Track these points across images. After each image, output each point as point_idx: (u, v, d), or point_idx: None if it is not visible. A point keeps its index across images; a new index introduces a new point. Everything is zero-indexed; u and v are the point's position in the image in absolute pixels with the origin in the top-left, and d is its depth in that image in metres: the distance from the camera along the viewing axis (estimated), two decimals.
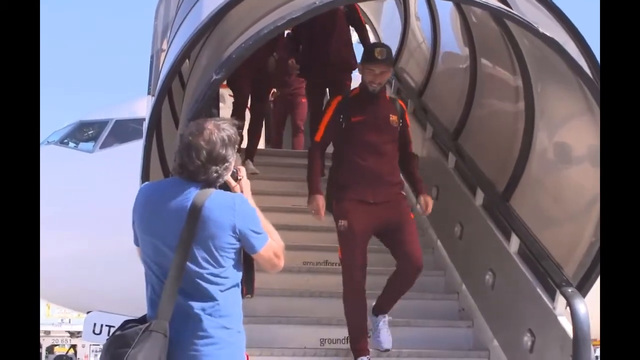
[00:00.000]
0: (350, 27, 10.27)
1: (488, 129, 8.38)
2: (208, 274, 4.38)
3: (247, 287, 4.57)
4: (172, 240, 4.35)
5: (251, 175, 6.76)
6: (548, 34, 5.95)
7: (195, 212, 4.33)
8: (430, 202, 7.31)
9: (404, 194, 7.32)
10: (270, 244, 4.52)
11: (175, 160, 4.49)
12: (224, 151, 4.44)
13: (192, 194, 4.39)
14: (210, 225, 4.35)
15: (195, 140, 4.42)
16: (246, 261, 4.54)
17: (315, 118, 8.88)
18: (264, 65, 9.91)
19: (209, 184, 4.45)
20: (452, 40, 9.37)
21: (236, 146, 4.54)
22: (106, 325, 12.17)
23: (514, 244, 7.23)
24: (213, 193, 4.41)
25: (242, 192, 4.59)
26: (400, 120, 7.27)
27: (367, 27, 12.39)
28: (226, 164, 4.48)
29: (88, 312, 13.35)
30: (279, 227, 4.70)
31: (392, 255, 7.09)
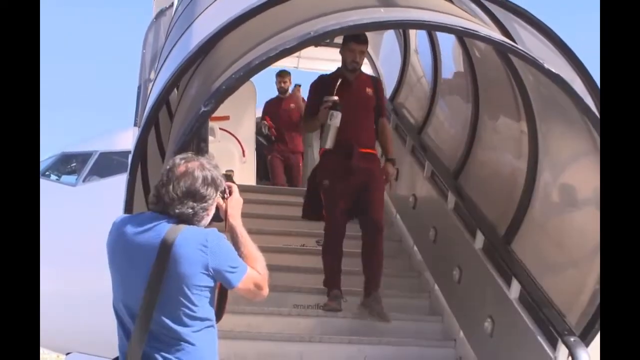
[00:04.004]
0: None
1: (489, 169, 8.31)
2: (179, 314, 4.20)
3: (216, 313, 4.40)
4: (142, 278, 4.20)
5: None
6: (554, 71, 5.82)
7: (165, 249, 4.18)
8: None
9: None
10: (249, 276, 4.34)
11: (153, 191, 4.38)
12: (204, 190, 4.32)
13: (164, 229, 4.24)
14: (182, 263, 4.18)
15: (177, 173, 4.31)
16: (221, 288, 4.39)
17: None
18: None
19: (183, 220, 4.29)
20: (453, 75, 9.34)
21: (219, 190, 4.42)
22: None
23: (515, 289, 7.07)
24: (185, 229, 4.24)
25: (227, 210, 4.47)
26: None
27: (366, 59, 12.27)
28: (204, 204, 4.34)
29: (67, 354, 13.31)
30: (268, 269, 4.49)
31: None
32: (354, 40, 8.11)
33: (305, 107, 8.62)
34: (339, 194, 7.97)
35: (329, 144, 7.99)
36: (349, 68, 8.20)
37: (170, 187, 4.27)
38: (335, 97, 7.95)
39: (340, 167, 7.98)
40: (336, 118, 7.91)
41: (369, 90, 8.30)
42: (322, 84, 8.27)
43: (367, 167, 8.06)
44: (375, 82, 8.69)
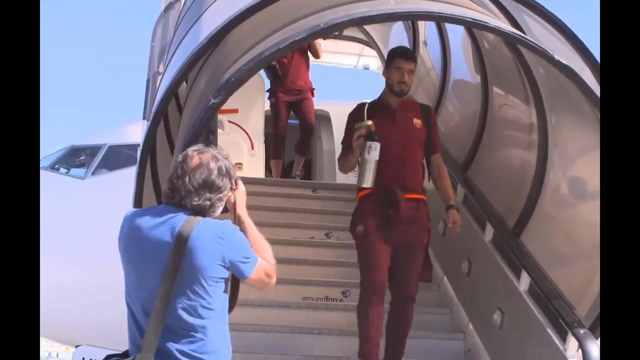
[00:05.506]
0: None
1: (499, 161, 8.24)
2: (194, 305, 4.23)
3: (229, 304, 4.43)
4: (156, 271, 4.20)
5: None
6: (564, 62, 5.77)
7: (181, 242, 4.20)
8: None
9: None
10: (261, 265, 4.39)
11: (167, 184, 4.38)
12: (219, 181, 4.36)
13: (180, 222, 4.25)
14: (198, 255, 4.21)
15: (191, 165, 4.33)
16: (233, 278, 4.41)
17: None
18: None
19: (199, 212, 4.31)
20: (462, 67, 9.26)
21: (232, 180, 4.46)
22: None
23: (524, 282, 7.04)
24: (200, 221, 4.27)
25: (235, 202, 4.51)
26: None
27: (375, 52, 12.27)
28: (220, 195, 4.37)
29: (77, 346, 13.24)
30: (277, 261, 4.52)
31: None
32: (401, 57, 7.09)
33: (342, 142, 7.14)
34: (377, 244, 6.81)
35: (367, 182, 6.75)
36: (395, 90, 7.04)
37: (187, 179, 4.29)
38: (369, 122, 6.72)
39: (380, 215, 6.88)
40: (375, 150, 6.68)
41: (417, 121, 7.11)
42: (361, 113, 6.90)
43: (413, 218, 6.93)
44: (426, 110, 7.33)
